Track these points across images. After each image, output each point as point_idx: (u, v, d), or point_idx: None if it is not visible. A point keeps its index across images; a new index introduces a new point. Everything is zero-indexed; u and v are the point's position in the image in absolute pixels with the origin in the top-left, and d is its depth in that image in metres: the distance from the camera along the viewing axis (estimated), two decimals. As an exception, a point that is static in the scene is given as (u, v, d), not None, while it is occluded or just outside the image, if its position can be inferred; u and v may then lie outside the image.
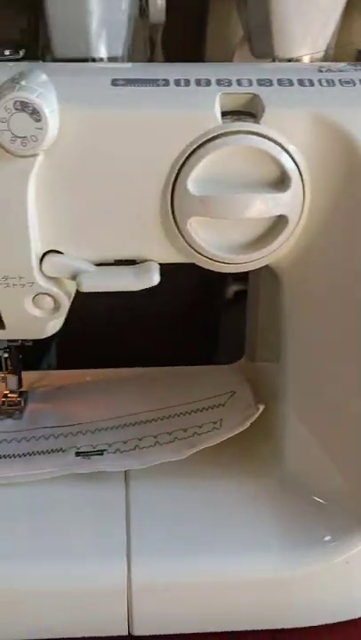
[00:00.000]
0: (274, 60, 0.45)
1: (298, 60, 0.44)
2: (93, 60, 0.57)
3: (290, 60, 0.45)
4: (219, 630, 0.39)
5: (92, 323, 0.74)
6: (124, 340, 0.90)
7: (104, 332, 0.91)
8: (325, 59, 0.46)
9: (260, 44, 0.49)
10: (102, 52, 0.58)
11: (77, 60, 0.56)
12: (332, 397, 0.40)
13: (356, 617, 0.40)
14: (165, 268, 0.38)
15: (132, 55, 0.61)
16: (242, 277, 0.80)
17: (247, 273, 0.72)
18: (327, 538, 0.38)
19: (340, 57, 0.47)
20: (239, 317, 0.80)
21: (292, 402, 0.42)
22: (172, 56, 0.75)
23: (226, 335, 0.85)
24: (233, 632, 0.39)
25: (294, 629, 0.40)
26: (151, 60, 0.75)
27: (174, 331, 0.89)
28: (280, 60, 0.45)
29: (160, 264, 0.37)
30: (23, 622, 0.38)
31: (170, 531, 0.39)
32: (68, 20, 0.55)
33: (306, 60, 0.45)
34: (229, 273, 0.75)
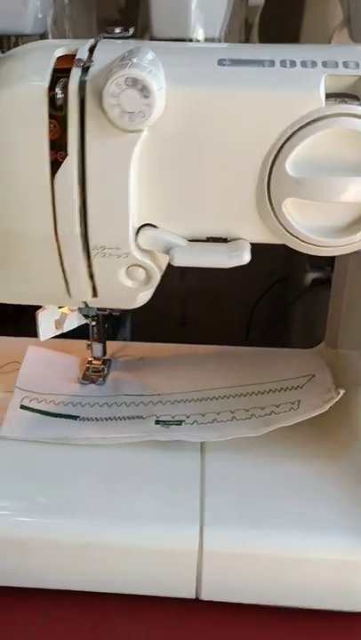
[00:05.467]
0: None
1: None
2: (190, 40, 0.58)
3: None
4: (283, 605, 0.40)
5: (169, 301, 0.75)
6: (197, 321, 0.92)
7: (179, 311, 0.93)
8: None
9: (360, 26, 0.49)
10: (200, 33, 0.59)
11: (175, 40, 0.57)
12: None
13: None
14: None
15: (228, 36, 0.62)
16: (321, 265, 0.80)
17: (328, 260, 0.72)
18: None
19: None
20: (315, 305, 0.80)
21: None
22: (267, 38, 0.75)
23: (300, 323, 0.85)
24: (295, 608, 0.40)
25: (358, 613, 0.40)
26: (247, 41, 0.75)
27: (249, 314, 0.90)
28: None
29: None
30: (96, 575, 0.40)
31: (242, 503, 0.40)
32: (169, 1, 0.56)
33: None
34: (309, 260, 0.75)
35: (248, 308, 0.90)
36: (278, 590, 0.40)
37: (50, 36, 0.59)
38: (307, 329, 0.80)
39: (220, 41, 0.59)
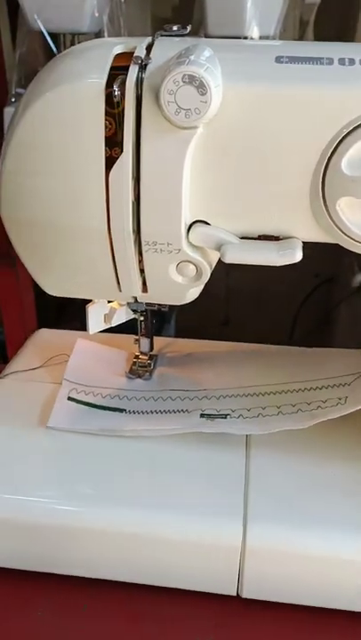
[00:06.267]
0: None
1: None
2: (245, 38, 0.58)
3: None
4: (325, 606, 0.40)
5: (213, 300, 0.76)
6: (241, 320, 0.92)
7: (223, 310, 0.93)
8: None
9: None
10: (255, 30, 0.59)
11: (230, 37, 0.57)
12: None
13: None
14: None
15: (283, 34, 0.62)
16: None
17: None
18: None
19: None
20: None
21: None
22: (323, 38, 0.74)
23: (346, 325, 0.84)
24: (337, 610, 0.40)
25: None
26: (301, 39, 0.74)
27: (294, 315, 0.89)
28: None
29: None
30: (138, 567, 0.41)
31: (286, 500, 0.40)
32: (224, -1, 0.56)
33: None
34: (356, 262, 0.74)
35: (293, 308, 0.89)
36: (320, 592, 0.40)
37: (105, 34, 0.60)
38: (353, 331, 0.79)
39: (274, 38, 0.59)
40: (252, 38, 0.57)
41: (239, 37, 0.57)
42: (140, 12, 0.71)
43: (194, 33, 0.62)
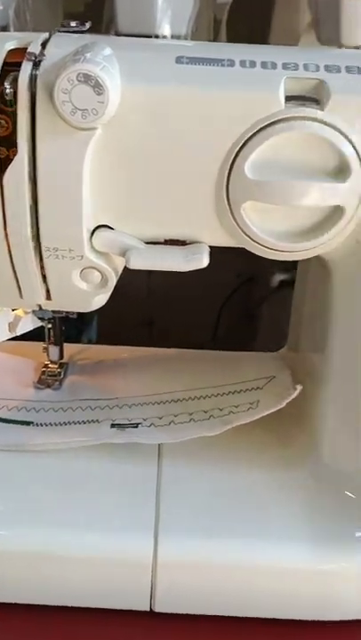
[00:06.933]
0: (340, 47, 0.44)
1: (366, 48, 0.43)
2: (157, 37, 0.57)
3: (357, 48, 0.43)
4: (239, 615, 0.39)
5: (136, 300, 0.74)
6: (165, 320, 0.91)
7: (147, 311, 0.92)
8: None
9: (327, 29, 0.48)
10: (166, 29, 0.58)
11: (141, 36, 0.55)
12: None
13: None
14: (212, 251, 0.38)
15: (196, 34, 0.61)
16: (288, 267, 0.80)
17: (295, 263, 0.72)
18: (359, 534, 0.38)
19: None
20: (282, 307, 0.79)
21: (333, 392, 0.42)
22: (236, 38, 0.74)
23: (268, 324, 0.84)
24: (253, 618, 0.40)
25: (317, 622, 0.40)
26: (215, 40, 0.74)
27: (217, 314, 0.89)
28: (347, 48, 0.43)
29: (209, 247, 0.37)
30: (47, 588, 0.39)
31: (199, 510, 0.39)
32: (134, -5, 0.55)
33: (374, 48, 0.43)
34: (276, 261, 0.74)
35: (216, 308, 0.89)
36: (234, 601, 0.39)
37: (11, 29, 0.57)
38: (273, 331, 0.80)
39: (187, 38, 0.58)
40: (163, 37, 0.56)
41: (150, 36, 0.56)
42: (49, 7, 0.69)
43: (105, 31, 0.61)
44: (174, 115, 0.33)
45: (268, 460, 0.43)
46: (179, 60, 0.34)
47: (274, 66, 0.34)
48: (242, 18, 0.74)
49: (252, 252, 0.38)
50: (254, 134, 0.33)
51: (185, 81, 0.33)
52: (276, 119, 0.33)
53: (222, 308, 0.89)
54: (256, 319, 0.89)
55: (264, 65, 0.34)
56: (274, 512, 0.39)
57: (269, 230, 0.36)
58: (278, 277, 0.82)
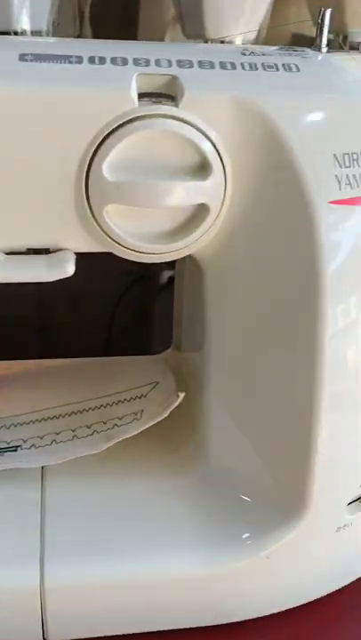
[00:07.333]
0: (206, 41, 0.43)
1: (230, 42, 0.42)
2: (16, 32, 0.54)
3: (222, 42, 0.43)
4: (137, 631, 0.38)
5: (26, 306, 0.71)
6: (54, 326, 0.88)
7: (37, 316, 0.88)
8: (258, 40, 0.45)
9: (191, 23, 0.47)
10: (25, 24, 0.55)
11: (-1, 32, 0.52)
12: (256, 388, 0.39)
13: (280, 610, 0.40)
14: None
15: (61, 30, 0.58)
16: (173, 263, 0.79)
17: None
18: (246, 535, 0.37)
19: (275, 40, 0.46)
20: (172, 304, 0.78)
21: (216, 393, 0.41)
22: (102, 33, 0.72)
23: (160, 322, 0.83)
24: (153, 632, 0.38)
25: (217, 626, 0.39)
26: (80, 36, 0.72)
27: (110, 315, 0.87)
28: (211, 41, 0.43)
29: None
30: None
31: (85, 531, 0.38)
32: (-12, -12, 0.52)
33: (238, 41, 0.43)
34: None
35: (109, 308, 0.87)
36: (130, 618, 0.38)
37: None
38: (167, 327, 0.79)
39: (48, 34, 0.56)
40: (23, 32, 0.54)
41: (9, 32, 0.53)
42: None
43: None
44: (19, 116, 0.31)
45: (156, 469, 0.41)
46: (22, 57, 0.32)
47: (125, 62, 0.33)
48: (109, 13, 0.72)
49: (122, 256, 0.36)
50: (109, 134, 0.32)
51: (28, 79, 0.31)
52: (130, 117, 0.32)
53: (116, 309, 0.87)
54: (151, 317, 0.87)
55: (114, 61, 0.32)
56: (162, 523, 0.38)
57: (135, 233, 0.34)
58: (167, 274, 0.82)
